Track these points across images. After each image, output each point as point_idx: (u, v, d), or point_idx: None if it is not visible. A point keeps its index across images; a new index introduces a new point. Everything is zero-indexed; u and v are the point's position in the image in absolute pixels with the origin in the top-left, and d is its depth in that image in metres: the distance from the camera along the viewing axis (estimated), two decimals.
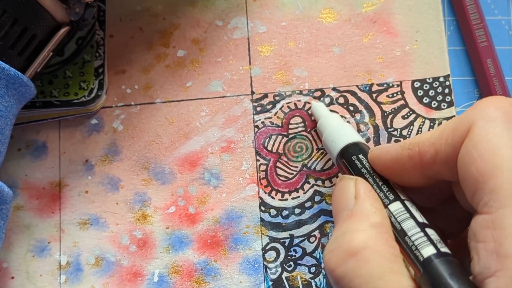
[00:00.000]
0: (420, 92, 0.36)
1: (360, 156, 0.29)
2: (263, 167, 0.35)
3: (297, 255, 0.34)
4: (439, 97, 0.35)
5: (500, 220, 0.21)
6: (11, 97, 0.29)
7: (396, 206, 0.26)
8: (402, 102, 0.36)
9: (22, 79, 0.29)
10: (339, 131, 0.32)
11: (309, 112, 0.36)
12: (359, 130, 0.35)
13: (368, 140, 0.35)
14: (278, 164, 0.35)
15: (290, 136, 0.35)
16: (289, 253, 0.34)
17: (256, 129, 0.36)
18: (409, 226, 0.25)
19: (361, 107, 0.36)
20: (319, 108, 0.34)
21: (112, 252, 0.35)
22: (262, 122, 0.36)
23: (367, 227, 0.25)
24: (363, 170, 0.28)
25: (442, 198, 0.29)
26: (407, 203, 0.27)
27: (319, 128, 0.34)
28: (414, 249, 0.24)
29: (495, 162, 0.22)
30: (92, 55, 0.36)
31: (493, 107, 0.23)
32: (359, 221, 0.25)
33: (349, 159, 0.30)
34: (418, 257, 0.24)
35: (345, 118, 0.35)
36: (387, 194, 0.27)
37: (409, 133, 0.35)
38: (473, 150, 0.22)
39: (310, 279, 0.34)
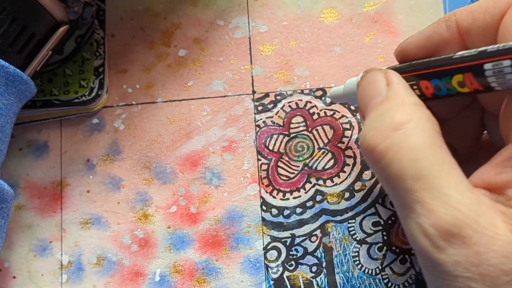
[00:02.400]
0: None
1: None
2: (264, 167, 0.35)
3: (299, 255, 0.34)
4: None
5: None
6: (11, 95, 0.29)
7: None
8: None
9: (21, 76, 0.29)
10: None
11: (311, 111, 0.36)
12: (360, 129, 0.35)
13: None
14: (280, 164, 0.35)
15: (292, 135, 0.35)
16: (291, 253, 0.34)
17: (258, 129, 0.36)
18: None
19: None
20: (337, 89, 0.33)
21: (113, 251, 0.35)
22: (264, 122, 0.36)
23: (407, 105, 0.25)
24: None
25: (462, 105, 0.29)
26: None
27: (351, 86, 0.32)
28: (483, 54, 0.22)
29: None
30: (91, 53, 0.36)
31: None
32: (398, 101, 0.25)
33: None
34: (509, 49, 0.22)
35: (347, 117, 0.35)
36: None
37: None
38: None
39: (311, 279, 0.34)
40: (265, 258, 0.34)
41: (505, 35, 0.24)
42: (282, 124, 0.36)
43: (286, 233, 0.34)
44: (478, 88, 0.24)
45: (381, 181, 0.26)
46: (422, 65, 0.26)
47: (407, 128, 0.24)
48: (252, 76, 0.36)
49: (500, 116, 0.24)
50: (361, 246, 0.34)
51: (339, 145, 0.35)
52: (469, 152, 0.30)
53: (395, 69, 0.28)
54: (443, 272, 0.23)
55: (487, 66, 0.22)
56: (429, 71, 0.26)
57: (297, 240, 0.34)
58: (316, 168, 0.35)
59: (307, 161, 0.35)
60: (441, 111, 0.29)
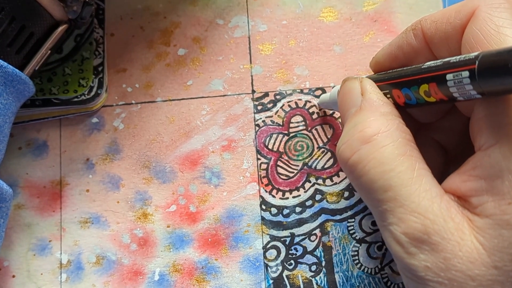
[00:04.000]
0: None
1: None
2: (264, 166, 0.35)
3: (298, 254, 0.34)
4: None
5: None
6: (9, 94, 0.29)
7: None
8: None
9: (20, 76, 0.29)
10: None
11: (311, 110, 0.36)
12: None
13: None
14: (279, 163, 0.35)
15: (291, 134, 0.35)
16: (290, 252, 0.34)
17: (257, 128, 0.36)
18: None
19: None
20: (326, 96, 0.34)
21: (113, 250, 0.35)
22: (263, 121, 0.36)
23: (378, 116, 0.26)
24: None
25: (442, 111, 0.30)
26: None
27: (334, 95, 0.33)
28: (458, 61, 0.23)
29: (501, 42, 0.23)
30: (90, 52, 0.36)
31: None
32: (369, 112, 0.26)
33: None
34: (468, 60, 0.22)
35: None
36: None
37: None
38: (479, 32, 0.23)
39: (310, 278, 0.34)
40: (265, 257, 0.34)
41: (466, 47, 0.24)
42: (281, 124, 0.36)
43: (286, 232, 0.34)
44: (443, 98, 0.24)
45: (356, 190, 0.27)
46: (394, 74, 0.27)
47: (376, 140, 0.25)
48: (251, 76, 0.36)
49: (470, 125, 0.24)
50: (360, 245, 0.34)
51: None
52: (459, 151, 0.30)
53: (372, 78, 0.29)
54: (416, 277, 0.24)
55: (449, 76, 0.23)
56: (399, 81, 0.26)
57: (297, 239, 0.34)
58: (315, 167, 0.35)
59: (307, 160, 0.35)
60: (424, 115, 0.30)
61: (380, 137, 0.25)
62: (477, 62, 0.21)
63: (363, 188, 0.25)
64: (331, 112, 0.35)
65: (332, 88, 0.34)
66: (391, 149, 0.25)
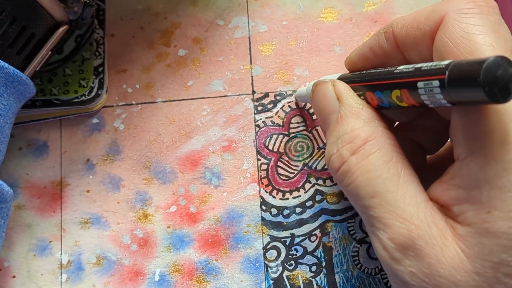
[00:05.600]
0: None
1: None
2: (264, 167, 0.35)
3: (298, 254, 0.34)
4: None
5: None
6: (10, 95, 0.29)
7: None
8: None
9: (21, 77, 0.29)
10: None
11: (311, 111, 0.36)
12: None
13: None
14: (279, 164, 0.35)
15: (291, 135, 0.35)
16: (290, 252, 0.34)
17: (257, 129, 0.36)
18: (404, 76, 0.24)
19: None
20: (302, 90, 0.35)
21: (113, 251, 0.35)
22: (263, 122, 0.36)
23: (361, 124, 0.26)
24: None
25: (416, 112, 0.30)
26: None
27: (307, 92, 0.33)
28: (430, 69, 0.22)
29: (471, 49, 0.23)
30: (91, 52, 0.36)
31: (465, 0, 0.24)
32: (352, 120, 0.27)
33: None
34: (438, 69, 0.22)
35: None
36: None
37: None
38: (448, 41, 0.23)
39: (311, 278, 0.34)
40: (265, 257, 0.34)
41: (437, 55, 0.24)
42: (281, 124, 0.36)
43: (286, 233, 0.34)
44: (414, 104, 0.24)
45: (347, 197, 0.27)
46: (367, 77, 0.27)
47: (363, 149, 0.25)
48: (251, 76, 0.36)
49: (449, 133, 0.24)
50: (360, 245, 0.34)
51: None
52: (438, 149, 0.31)
53: (346, 77, 0.29)
54: (403, 282, 0.24)
55: (420, 84, 0.23)
56: (372, 84, 0.26)
57: (297, 240, 0.34)
58: (315, 168, 0.35)
59: (307, 161, 0.35)
60: (399, 115, 0.30)
61: (368, 146, 0.25)
62: (447, 72, 0.21)
63: (351, 195, 0.26)
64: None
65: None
66: (378, 157, 0.25)
